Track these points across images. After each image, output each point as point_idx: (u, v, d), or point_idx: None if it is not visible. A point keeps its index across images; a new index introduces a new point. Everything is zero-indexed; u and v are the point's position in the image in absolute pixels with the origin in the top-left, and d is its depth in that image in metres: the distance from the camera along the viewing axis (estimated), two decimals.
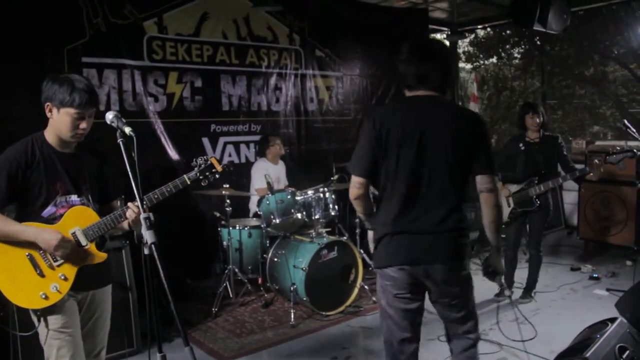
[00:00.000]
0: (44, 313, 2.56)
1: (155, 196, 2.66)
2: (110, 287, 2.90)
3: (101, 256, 2.67)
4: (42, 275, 2.53)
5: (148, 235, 2.08)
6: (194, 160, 2.82)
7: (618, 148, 5.79)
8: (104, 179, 2.79)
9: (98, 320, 2.81)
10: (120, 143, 2.28)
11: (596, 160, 5.06)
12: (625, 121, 5.10)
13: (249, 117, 6.45)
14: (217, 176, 2.84)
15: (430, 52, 2.75)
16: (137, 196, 2.16)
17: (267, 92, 6.61)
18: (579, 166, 5.33)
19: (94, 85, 5.19)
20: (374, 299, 5.37)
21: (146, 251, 2.10)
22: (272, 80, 6.66)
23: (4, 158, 2.52)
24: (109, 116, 2.37)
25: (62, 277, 2.55)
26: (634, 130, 5.11)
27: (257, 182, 5.79)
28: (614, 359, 3.28)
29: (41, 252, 2.54)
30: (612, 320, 3.64)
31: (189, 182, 2.75)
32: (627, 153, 4.98)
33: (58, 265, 2.56)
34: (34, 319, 2.62)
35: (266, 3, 6.06)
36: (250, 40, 6.44)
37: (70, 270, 2.58)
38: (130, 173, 2.17)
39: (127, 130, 2.31)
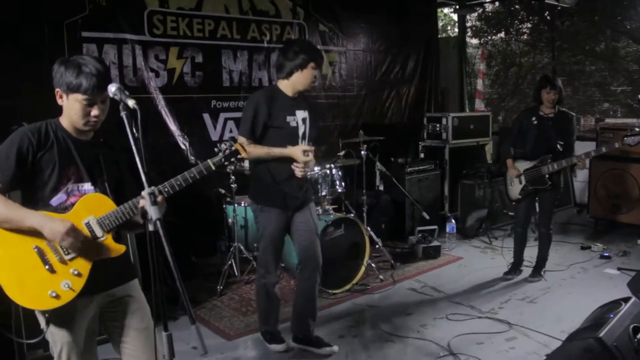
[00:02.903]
0: (53, 319, 2.29)
1: (178, 182, 2.40)
2: (136, 283, 2.60)
3: (119, 249, 2.37)
4: (52, 271, 2.22)
5: (153, 211, 1.97)
6: (217, 145, 2.58)
7: (631, 127, 5.68)
8: (122, 175, 2.52)
9: (139, 329, 2.48)
10: (124, 116, 2.14)
11: (582, 155, 4.95)
12: (639, 96, 4.98)
13: (250, 93, 6.29)
14: (243, 164, 2.65)
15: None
16: (141, 171, 2.04)
17: (269, 67, 6.47)
18: (589, 144, 5.23)
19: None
20: (381, 277, 5.32)
21: (151, 227, 2.00)
22: (274, 56, 6.52)
23: (14, 135, 2.27)
24: (112, 89, 2.21)
25: (75, 273, 2.25)
26: None
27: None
28: (628, 339, 3.21)
29: (50, 244, 2.24)
30: (626, 299, 3.56)
31: (213, 168, 2.50)
32: None
33: (70, 260, 2.25)
34: (42, 321, 2.32)
35: None
36: (252, 14, 6.28)
37: (84, 265, 2.27)
38: (134, 148, 2.04)
39: (131, 103, 2.13)
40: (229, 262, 5.17)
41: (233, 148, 2.54)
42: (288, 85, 3.71)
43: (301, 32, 6.76)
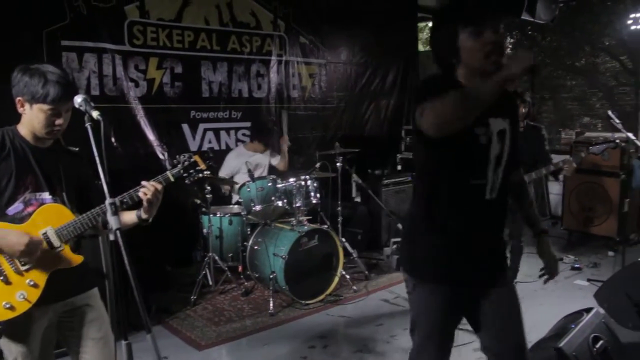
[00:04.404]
0: (7, 329, 2.26)
1: (137, 193, 2.38)
2: (95, 292, 2.56)
3: (77, 259, 2.37)
4: (7, 282, 2.22)
5: (113, 221, 2.01)
6: (177, 156, 2.58)
7: (602, 139, 5.78)
8: (84, 182, 2.50)
9: (95, 339, 2.46)
10: (88, 127, 2.15)
11: (568, 157, 5.04)
12: (610, 112, 5.09)
13: (230, 104, 6.38)
14: (201, 175, 2.68)
15: None
16: (102, 181, 2.06)
17: (249, 78, 6.53)
18: (565, 157, 5.31)
19: (74, 70, 5.21)
20: (354, 287, 5.36)
21: (112, 237, 2.03)
22: (255, 67, 6.59)
23: None
24: (78, 99, 2.20)
25: (31, 284, 2.24)
26: (617, 122, 5.12)
27: (223, 170, 5.79)
28: (587, 348, 3.30)
29: (5, 254, 2.24)
30: (588, 310, 3.66)
31: (172, 180, 2.49)
32: (609, 144, 4.97)
33: (26, 270, 2.25)
34: None
35: None
36: (232, 26, 6.35)
37: (40, 276, 2.26)
38: (97, 159, 2.04)
39: (95, 114, 2.13)
40: (203, 272, 5.20)
41: (192, 160, 2.55)
42: None
43: (282, 44, 6.83)
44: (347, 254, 5.60)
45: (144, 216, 2.43)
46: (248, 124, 6.45)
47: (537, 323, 4.48)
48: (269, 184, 5.19)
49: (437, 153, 2.21)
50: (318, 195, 5.34)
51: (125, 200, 2.36)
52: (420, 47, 10.17)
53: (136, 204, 2.41)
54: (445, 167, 2.23)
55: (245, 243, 5.31)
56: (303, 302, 4.96)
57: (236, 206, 5.65)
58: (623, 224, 6.46)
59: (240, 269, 5.41)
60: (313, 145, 6.92)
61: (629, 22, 8.08)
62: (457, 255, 2.25)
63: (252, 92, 6.58)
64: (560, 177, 7.59)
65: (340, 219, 5.81)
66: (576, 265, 6.10)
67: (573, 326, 3.46)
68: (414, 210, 2.42)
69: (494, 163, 2.24)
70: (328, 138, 7.15)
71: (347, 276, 5.38)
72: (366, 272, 5.74)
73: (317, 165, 5.65)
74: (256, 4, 6.57)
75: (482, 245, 2.29)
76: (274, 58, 6.75)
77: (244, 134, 6.46)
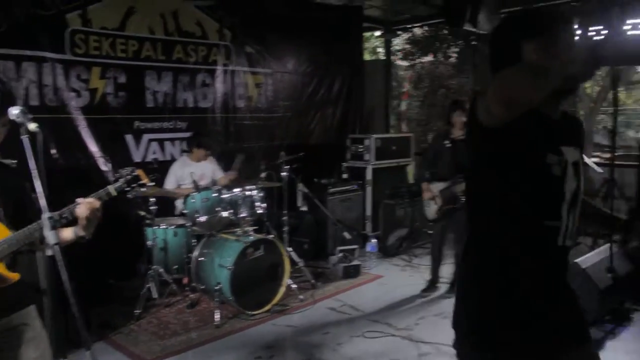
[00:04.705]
0: None
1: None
2: (32, 310, 2.45)
3: (12, 277, 2.27)
4: None
5: (51, 236, 1.98)
6: (118, 171, 2.52)
7: None
8: (20, 197, 2.39)
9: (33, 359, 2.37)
10: (25, 139, 2.12)
11: None
12: None
13: (175, 114, 6.32)
14: (143, 189, 2.62)
15: None
16: (41, 198, 2.02)
17: (195, 88, 6.49)
18: None
19: (11, 80, 5.06)
20: (301, 297, 5.38)
21: (49, 252, 2.00)
22: (200, 77, 6.55)
23: None
24: (14, 111, 2.13)
25: None
26: None
27: (167, 182, 5.73)
28: None
29: None
30: None
31: (114, 194, 2.43)
32: None
33: None
34: None
35: None
36: (177, 35, 6.30)
37: None
38: (33, 171, 2.01)
39: (32, 126, 2.09)
40: (148, 285, 5.12)
41: (135, 173, 2.51)
42: None
43: (228, 54, 6.81)
44: (293, 263, 5.62)
45: (80, 234, 2.33)
46: (192, 134, 6.36)
47: None
48: (214, 195, 5.17)
49: (504, 182, 1.84)
50: (264, 205, 5.35)
51: (65, 215, 2.26)
52: (367, 57, 10.33)
53: (76, 220, 2.33)
54: (514, 202, 1.85)
55: (190, 255, 5.26)
56: (249, 312, 4.95)
57: (181, 217, 5.59)
58: None
59: (185, 280, 5.34)
60: (259, 154, 6.91)
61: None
62: (534, 320, 1.84)
63: (198, 102, 6.54)
64: None
65: (286, 228, 5.83)
66: None
67: None
68: (474, 259, 2.00)
69: (569, 201, 1.86)
70: (274, 147, 7.15)
71: (294, 285, 5.40)
72: (313, 281, 5.78)
73: (263, 175, 5.67)
74: (202, 14, 6.53)
75: (555, 303, 1.91)
76: (219, 68, 6.73)
77: (188, 144, 6.38)
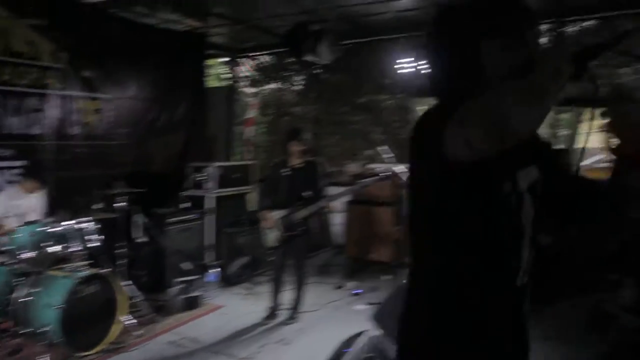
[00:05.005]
0: None
1: None
2: None
3: None
4: None
5: None
6: None
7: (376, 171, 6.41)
8: None
9: None
10: None
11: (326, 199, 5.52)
12: (380, 148, 5.67)
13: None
14: None
15: None
16: None
17: (24, 114, 6.07)
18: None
19: None
20: (139, 332, 5.19)
21: None
22: (30, 101, 6.14)
23: None
24: None
25: None
26: (389, 155, 5.75)
27: None
28: None
29: None
30: (359, 334, 4.01)
31: None
32: (376, 177, 5.61)
33: None
34: None
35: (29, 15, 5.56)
36: (7, 56, 5.84)
37: None
38: None
39: None
40: None
41: None
42: None
43: (63, 78, 6.44)
44: (131, 297, 5.40)
45: None
46: (20, 163, 5.94)
47: (319, 350, 4.73)
48: (41, 229, 4.85)
49: (469, 206, 1.58)
50: (99, 237, 5.11)
51: None
52: (213, 83, 10.32)
53: None
54: (473, 236, 1.61)
55: (12, 296, 4.84)
56: (80, 354, 4.65)
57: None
58: (397, 249, 7.08)
59: (6, 325, 4.89)
60: (94, 184, 6.57)
61: (396, 66, 8.84)
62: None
63: (27, 128, 6.11)
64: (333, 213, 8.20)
65: (123, 261, 5.61)
66: (355, 291, 6.57)
67: (346, 350, 3.76)
68: (418, 301, 1.76)
69: (529, 234, 1.67)
70: (111, 176, 6.85)
71: (133, 321, 5.19)
72: (152, 315, 5.60)
73: (98, 205, 5.42)
74: (35, 34, 6.12)
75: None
76: (53, 92, 6.34)
77: (16, 174, 5.94)
